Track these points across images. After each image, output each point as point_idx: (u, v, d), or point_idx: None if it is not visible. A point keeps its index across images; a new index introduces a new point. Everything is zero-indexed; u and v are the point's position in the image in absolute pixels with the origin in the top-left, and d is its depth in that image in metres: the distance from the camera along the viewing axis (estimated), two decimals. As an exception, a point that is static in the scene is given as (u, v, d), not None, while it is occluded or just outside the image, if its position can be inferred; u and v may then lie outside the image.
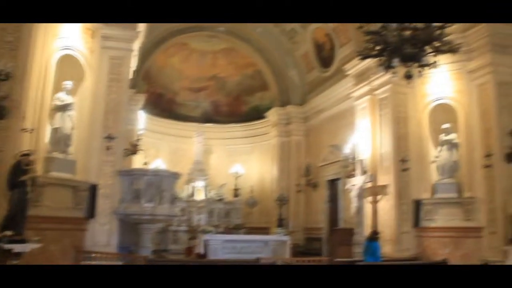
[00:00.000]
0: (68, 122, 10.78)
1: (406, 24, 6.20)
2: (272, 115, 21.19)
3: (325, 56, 18.96)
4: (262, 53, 20.99)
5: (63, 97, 10.75)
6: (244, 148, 22.19)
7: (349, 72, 15.79)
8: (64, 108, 10.71)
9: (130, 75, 13.36)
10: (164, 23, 18.19)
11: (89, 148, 11.46)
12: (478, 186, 12.48)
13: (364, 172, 13.81)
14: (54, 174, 10.33)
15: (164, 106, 21.70)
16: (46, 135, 10.38)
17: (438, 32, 6.24)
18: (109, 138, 11.56)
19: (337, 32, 17.65)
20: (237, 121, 22.43)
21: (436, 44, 6.33)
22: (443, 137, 13.16)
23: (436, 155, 13.29)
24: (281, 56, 20.80)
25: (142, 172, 12.53)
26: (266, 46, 20.71)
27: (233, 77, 22.48)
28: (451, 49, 6.48)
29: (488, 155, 12.20)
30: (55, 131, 10.60)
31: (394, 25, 6.22)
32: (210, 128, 22.06)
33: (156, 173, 13.02)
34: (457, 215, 12.77)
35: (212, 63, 22.09)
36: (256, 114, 22.07)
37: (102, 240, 11.36)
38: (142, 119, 14.38)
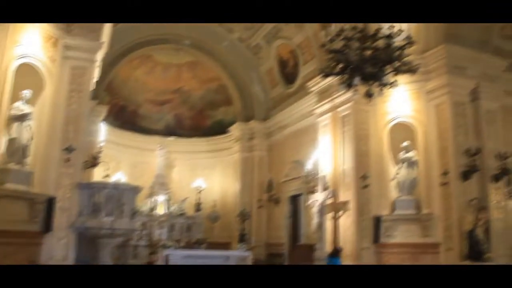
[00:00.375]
0: (25, 132, 10.50)
1: (367, 44, 6.36)
2: (235, 130, 21.22)
3: (289, 72, 19.19)
4: (226, 68, 21.05)
5: (21, 107, 10.48)
6: (207, 162, 22.09)
7: (312, 89, 15.99)
8: (21, 118, 10.44)
9: (92, 86, 13.15)
10: (128, 35, 18.07)
11: (47, 160, 11.16)
12: (435, 203, 12.78)
13: (325, 188, 13.96)
14: (9, 186, 10.00)
15: (126, 118, 21.43)
16: (2, 146, 10.07)
17: (397, 52, 6.43)
18: (69, 149, 11.29)
19: (301, 48, 17.91)
20: (200, 135, 22.36)
21: (396, 64, 6.50)
22: (402, 155, 13.44)
23: (396, 172, 13.54)
24: (246, 71, 20.92)
25: (102, 185, 12.28)
26: (231, 60, 20.79)
27: (197, 90, 22.44)
28: (410, 70, 6.67)
29: (445, 173, 12.54)
30: (11, 141, 10.30)
31: (356, 44, 6.37)
32: (173, 141, 21.90)
33: (116, 186, 12.78)
34: (415, 232, 13.00)
35: (177, 76, 22.01)
36: (220, 129, 22.06)
37: (58, 254, 11.01)
38: (103, 131, 14.15)
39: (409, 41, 7.07)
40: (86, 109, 12.35)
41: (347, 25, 6.94)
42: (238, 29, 19.60)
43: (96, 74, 13.72)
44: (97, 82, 14.74)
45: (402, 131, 13.77)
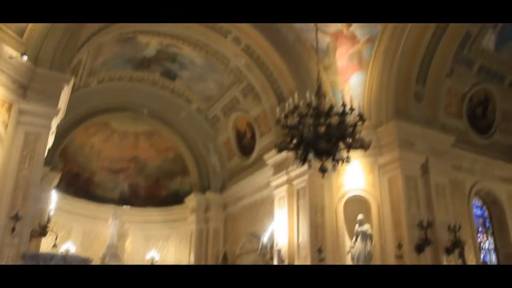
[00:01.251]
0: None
1: (321, 121, 6.58)
2: (191, 200, 20.96)
3: (246, 144, 19.42)
4: (184, 138, 21.12)
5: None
6: (161, 233, 21.54)
7: (268, 162, 16.18)
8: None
9: (46, 152, 12.86)
10: (86, 102, 18.04)
11: (-8, 229, 10.61)
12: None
13: (281, 261, 13.78)
14: None
15: (80, 186, 20.89)
16: None
17: (350, 129, 6.67)
18: (16, 218, 10.79)
19: (258, 121, 18.27)
20: (155, 205, 21.93)
21: (349, 140, 6.72)
22: (357, 227, 13.55)
23: (351, 245, 13.58)
24: (203, 142, 21.03)
25: (49, 256, 11.70)
26: (189, 131, 20.91)
27: (154, 160, 22.30)
28: (362, 146, 6.90)
29: (399, 246, 12.67)
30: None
31: (310, 120, 6.58)
32: (127, 211, 21.36)
33: (64, 257, 12.23)
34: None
35: (134, 145, 21.87)
36: (175, 199, 21.75)
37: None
38: (54, 199, 13.71)
39: (361, 118, 7.37)
40: (38, 176, 11.97)
41: (301, 102, 7.22)
42: (197, 100, 19.90)
43: (50, 140, 13.47)
44: (51, 148, 14.45)
45: (356, 204, 13.97)
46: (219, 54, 16.97)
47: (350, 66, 15.02)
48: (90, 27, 12.88)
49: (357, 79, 14.91)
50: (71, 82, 12.57)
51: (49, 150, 13.82)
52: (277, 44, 15.43)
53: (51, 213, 13.14)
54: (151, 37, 16.53)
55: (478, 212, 16.03)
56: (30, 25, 11.57)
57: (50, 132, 12.80)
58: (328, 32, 14.97)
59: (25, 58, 11.35)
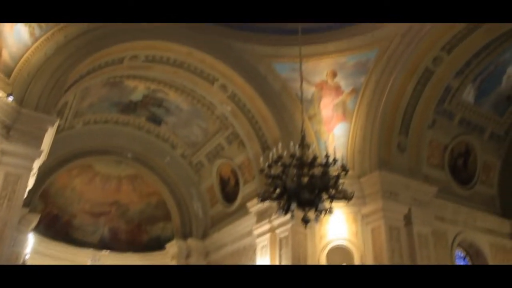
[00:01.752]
0: None
1: (304, 171, 6.62)
2: (172, 247, 20.56)
3: (229, 191, 19.31)
4: (167, 183, 20.95)
5: None
6: (140, 279, 20.99)
7: (251, 210, 16.08)
8: None
9: (25, 194, 12.63)
10: (70, 144, 17.94)
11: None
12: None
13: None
14: None
15: (59, 228, 20.45)
16: None
17: (333, 180, 6.70)
18: (-11, 262, 10.47)
19: (241, 169, 18.26)
20: (135, 250, 21.48)
21: (332, 191, 6.74)
22: (339, 278, 13.36)
23: (333, 296, 13.35)
24: (186, 188, 20.86)
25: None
26: (172, 176, 20.78)
27: (136, 204, 22.02)
28: (345, 197, 6.92)
29: (381, 298, 12.49)
30: None
31: (293, 171, 6.61)
32: (106, 255, 20.85)
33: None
34: None
35: (116, 189, 21.64)
36: (157, 245, 21.35)
37: None
38: (31, 241, 13.38)
39: (344, 169, 7.44)
40: (15, 218, 11.69)
41: (285, 152, 7.29)
42: (181, 146, 19.91)
43: (31, 181, 13.27)
44: (31, 189, 14.21)
45: (339, 253, 13.87)
46: (205, 101, 17.13)
47: (334, 116, 15.26)
48: (79, 70, 12.98)
49: (341, 129, 15.13)
50: (56, 124, 12.54)
51: (29, 191, 13.59)
52: (263, 92, 15.66)
53: (27, 256, 12.80)
54: (139, 82, 16.68)
55: (461, 263, 15.98)
56: (18, 65, 11.63)
57: (32, 173, 12.62)
58: (313, 83, 15.29)
59: (10, 98, 11.33)
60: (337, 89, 15.19)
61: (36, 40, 11.41)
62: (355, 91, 14.89)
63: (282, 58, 15.70)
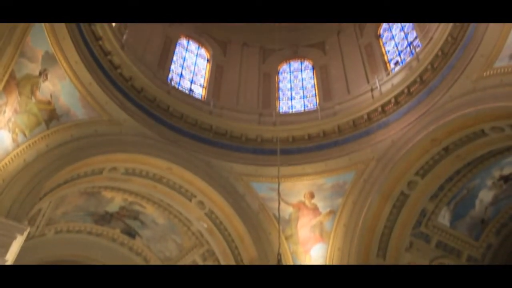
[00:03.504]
0: None
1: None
2: None
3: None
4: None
5: None
6: None
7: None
8: None
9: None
10: (38, 252, 17.25)
11: None
12: None
13: None
14: None
15: None
16: None
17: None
18: None
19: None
20: None
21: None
22: None
23: None
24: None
25: None
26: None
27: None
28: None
29: None
30: None
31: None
32: None
33: None
34: None
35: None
36: None
37: None
38: None
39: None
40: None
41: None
42: (155, 260, 19.25)
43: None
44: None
45: None
46: (182, 216, 16.97)
47: (311, 237, 15.18)
48: (56, 179, 12.89)
49: (319, 250, 14.96)
50: (26, 232, 12.15)
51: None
52: (240, 211, 15.64)
53: None
54: (116, 193, 16.57)
55: None
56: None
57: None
58: (291, 203, 15.42)
59: (-19, 205, 11.08)
60: (315, 210, 15.29)
61: (17, 146, 11.46)
62: (332, 212, 14.99)
63: (261, 177, 15.99)
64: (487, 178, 14.93)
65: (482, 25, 12.34)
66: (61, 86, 12.63)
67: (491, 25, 11.94)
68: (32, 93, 11.74)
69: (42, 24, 11.42)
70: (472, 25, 12.86)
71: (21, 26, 10.58)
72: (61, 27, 12.09)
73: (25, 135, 11.67)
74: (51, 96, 12.33)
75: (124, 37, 16.02)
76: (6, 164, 11.31)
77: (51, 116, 12.44)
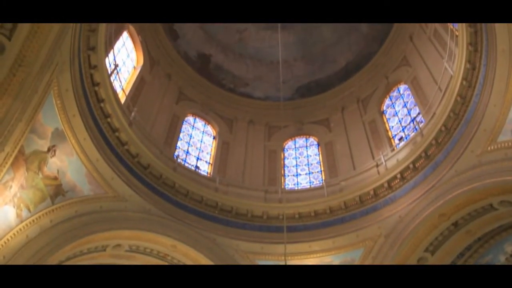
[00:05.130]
0: None
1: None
2: None
3: None
4: None
5: None
6: None
7: None
8: None
9: None
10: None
11: None
12: None
13: None
14: None
15: None
16: None
17: None
18: None
19: None
20: None
21: None
22: None
23: None
24: None
25: None
26: None
27: None
28: None
29: None
30: None
31: None
32: None
33: None
34: None
35: None
36: None
37: None
38: None
39: None
40: None
41: None
42: None
43: None
44: None
45: None
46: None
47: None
48: (59, 256, 12.65)
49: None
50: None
51: None
52: (246, 289, 15.16)
53: None
54: (119, 272, 16.19)
55: None
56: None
57: None
58: (298, 281, 14.94)
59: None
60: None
61: (21, 221, 11.36)
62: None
63: (267, 255, 15.70)
64: (500, 253, 14.52)
65: (483, 101, 12.57)
66: (69, 162, 12.74)
67: (492, 100, 12.17)
68: (40, 168, 11.83)
69: (53, 101, 11.72)
70: (473, 100, 13.11)
71: (33, 103, 10.88)
72: (72, 105, 12.38)
73: (29, 210, 11.62)
74: (58, 171, 12.41)
75: (132, 114, 16.34)
76: (8, 240, 11.16)
77: (57, 191, 12.46)
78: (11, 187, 11.03)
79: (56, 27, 10.38)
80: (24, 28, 9.68)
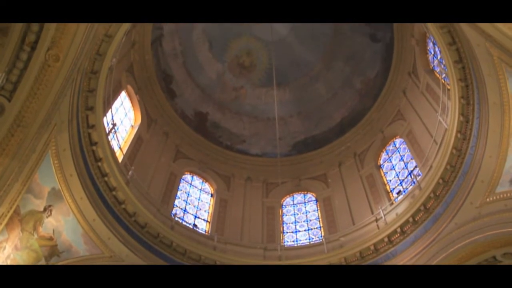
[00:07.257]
0: None
1: None
2: None
3: None
4: None
5: None
6: None
7: None
8: None
9: None
10: None
11: None
12: None
13: None
14: None
15: None
16: None
17: None
18: None
19: None
20: None
21: None
22: None
23: None
24: None
25: None
26: None
27: None
28: None
29: None
30: None
31: None
32: None
33: None
34: None
35: None
36: None
37: None
38: None
39: None
40: None
41: None
42: None
43: None
44: None
45: None
46: None
47: None
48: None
49: None
50: None
51: None
52: None
53: None
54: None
55: None
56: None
57: None
58: None
59: None
60: None
61: None
62: None
63: (268, 314, 15.17)
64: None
65: (479, 152, 12.64)
66: (65, 222, 12.62)
67: (487, 151, 12.25)
68: (35, 228, 11.70)
69: (51, 161, 11.74)
70: (469, 152, 13.18)
71: (30, 163, 10.90)
72: (69, 164, 12.40)
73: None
74: (53, 231, 12.26)
75: (130, 173, 16.32)
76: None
77: (52, 252, 12.26)
78: (4, 248, 10.86)
79: (56, 87, 10.52)
80: (24, 88, 9.83)
